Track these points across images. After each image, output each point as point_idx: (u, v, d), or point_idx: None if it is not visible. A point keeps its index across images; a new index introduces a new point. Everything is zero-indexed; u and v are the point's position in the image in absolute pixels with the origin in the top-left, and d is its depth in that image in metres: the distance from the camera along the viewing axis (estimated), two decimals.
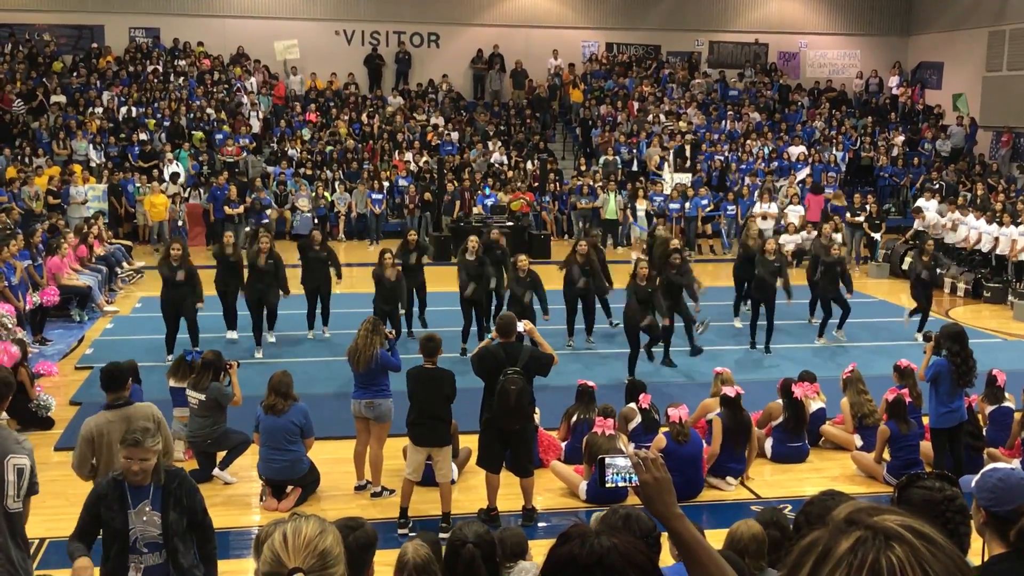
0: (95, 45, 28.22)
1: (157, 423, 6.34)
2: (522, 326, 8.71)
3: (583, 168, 26.56)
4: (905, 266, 21.20)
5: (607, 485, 2.69)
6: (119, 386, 6.65)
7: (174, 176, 23.78)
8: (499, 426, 8.39)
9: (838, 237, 22.59)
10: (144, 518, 5.41)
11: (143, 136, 25.46)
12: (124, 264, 19.50)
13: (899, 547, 1.25)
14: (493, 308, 13.95)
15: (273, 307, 14.16)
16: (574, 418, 10.16)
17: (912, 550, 1.25)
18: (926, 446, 9.70)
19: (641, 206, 24.47)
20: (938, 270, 14.33)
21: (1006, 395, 10.63)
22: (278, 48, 27.90)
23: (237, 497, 9.34)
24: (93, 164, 24.19)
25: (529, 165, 27.02)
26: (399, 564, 4.74)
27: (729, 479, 9.63)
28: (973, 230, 20.58)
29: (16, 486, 5.19)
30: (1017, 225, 19.66)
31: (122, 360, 10.11)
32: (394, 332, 10.08)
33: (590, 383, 10.46)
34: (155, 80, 27.61)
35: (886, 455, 9.72)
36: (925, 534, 1.28)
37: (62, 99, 26.17)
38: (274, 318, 14.43)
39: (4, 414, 5.39)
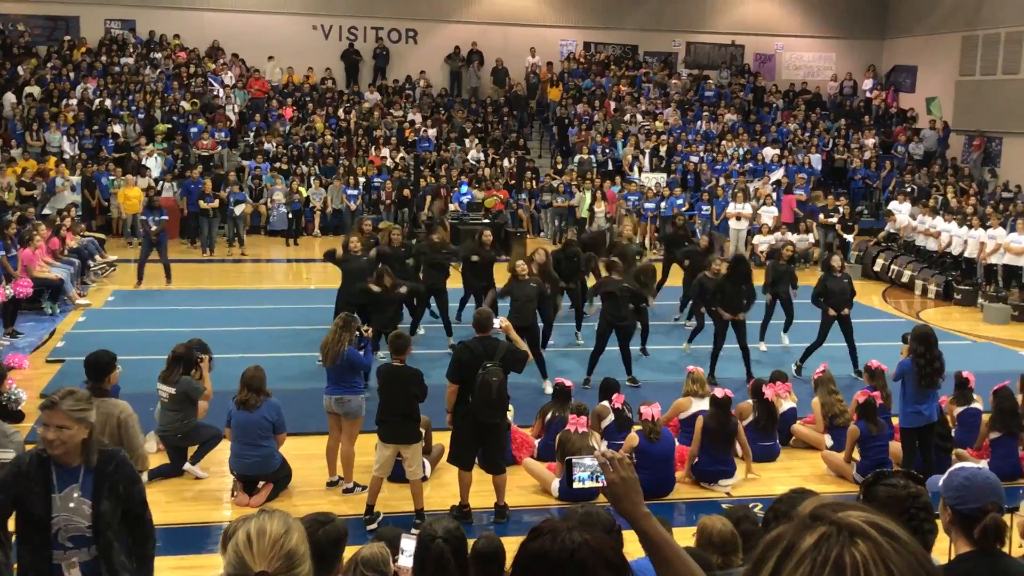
0: (68, 37, 27.96)
1: (117, 422, 6.25)
2: (498, 323, 8.79)
3: (559, 166, 26.58)
4: (877, 267, 21.46)
5: (575, 486, 2.71)
6: (101, 376, 6.58)
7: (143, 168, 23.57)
8: (477, 419, 8.40)
9: (810, 238, 22.81)
10: (71, 505, 4.57)
11: (117, 128, 25.26)
12: (97, 257, 19.36)
13: (863, 543, 1.27)
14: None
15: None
16: (548, 416, 10.19)
17: (875, 546, 1.27)
18: (896, 446, 9.79)
19: (599, 208, 24.38)
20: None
21: (975, 397, 10.74)
22: None
23: (208, 492, 9.31)
24: (67, 156, 23.98)
25: (506, 163, 27.03)
26: (351, 560, 4.78)
27: (723, 482, 9.66)
28: (945, 234, 20.77)
29: None
30: (987, 228, 19.86)
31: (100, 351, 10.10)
32: (370, 330, 10.08)
33: (566, 382, 10.49)
34: (130, 72, 27.40)
35: (856, 455, 9.81)
36: (889, 530, 1.30)
37: (36, 90, 25.91)
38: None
39: None
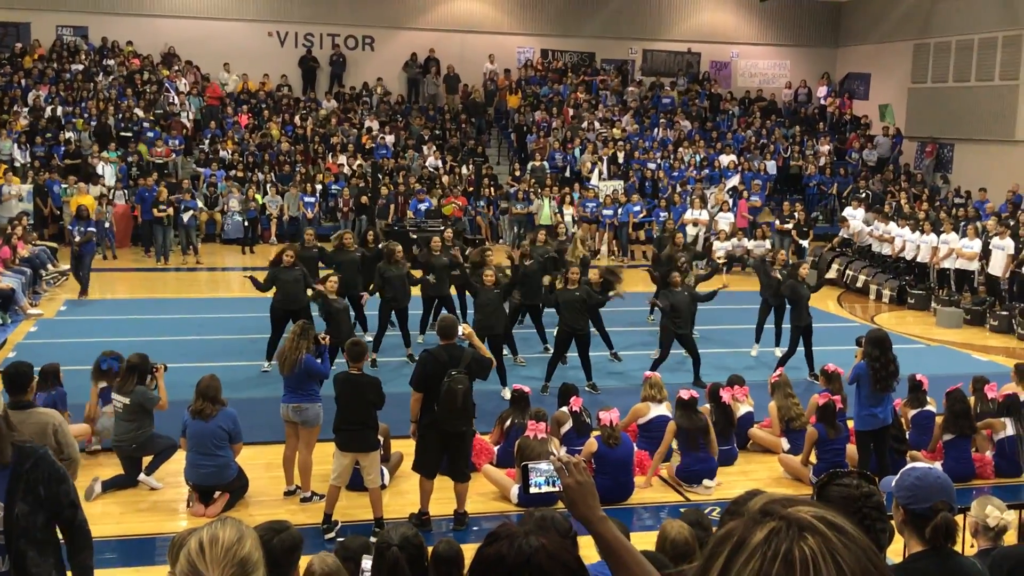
0: (19, 45, 27.53)
1: (53, 430, 6.15)
2: (461, 329, 8.77)
3: (517, 173, 26.61)
4: (832, 273, 21.70)
5: (531, 490, 2.71)
6: (21, 389, 6.46)
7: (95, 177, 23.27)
8: (443, 428, 8.34)
9: (766, 243, 23.01)
10: None
11: (69, 135, 24.91)
12: (49, 266, 19.05)
13: (812, 538, 1.27)
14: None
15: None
16: (508, 422, 10.18)
17: (824, 541, 1.27)
18: (852, 450, 9.87)
19: (568, 211, 24.53)
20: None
21: (928, 399, 10.88)
22: None
23: (163, 503, 9.18)
24: (17, 164, 23.61)
25: (464, 170, 27.01)
26: (306, 573, 4.73)
27: (706, 482, 9.70)
28: (898, 239, 21.05)
29: None
30: (939, 234, 20.15)
31: (49, 362, 9.98)
32: (328, 338, 10.01)
33: (524, 388, 10.49)
34: (82, 79, 27.06)
35: (813, 458, 9.89)
36: (838, 525, 1.31)
37: None
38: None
39: None
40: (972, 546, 5.26)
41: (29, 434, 5.93)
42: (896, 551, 4.26)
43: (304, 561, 4.79)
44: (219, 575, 2.58)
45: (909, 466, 3.80)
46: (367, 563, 5.13)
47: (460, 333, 8.68)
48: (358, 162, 26.41)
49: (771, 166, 28.10)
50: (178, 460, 9.30)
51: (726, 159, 27.85)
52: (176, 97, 27.34)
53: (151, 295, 18.59)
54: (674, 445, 10.16)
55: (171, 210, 21.75)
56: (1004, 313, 17.83)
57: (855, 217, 22.84)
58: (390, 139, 27.89)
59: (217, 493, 8.99)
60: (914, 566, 3.56)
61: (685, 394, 9.91)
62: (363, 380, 8.48)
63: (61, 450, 6.04)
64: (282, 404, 9.20)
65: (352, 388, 8.40)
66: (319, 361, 9.36)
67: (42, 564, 4.18)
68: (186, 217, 22.04)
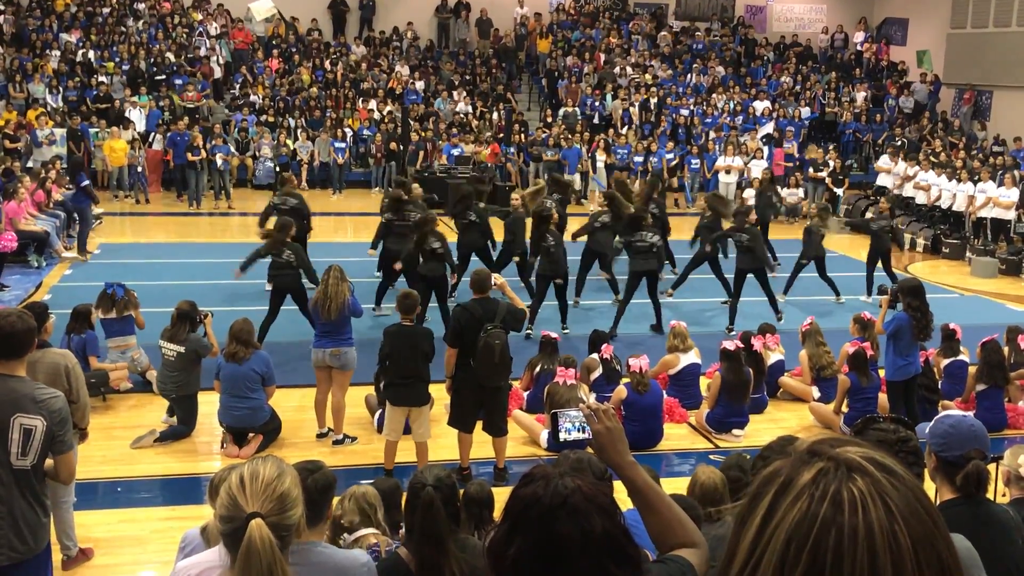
0: None
1: (65, 371, 6.27)
2: (494, 280, 8.68)
3: (549, 119, 26.42)
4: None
5: (561, 437, 2.73)
6: (37, 327, 6.54)
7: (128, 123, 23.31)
8: (480, 383, 8.22)
9: (800, 192, 22.80)
10: None
11: (101, 79, 24.95)
12: None
13: (860, 478, 1.27)
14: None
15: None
16: (537, 368, 10.21)
17: (873, 481, 1.27)
18: (883, 399, 9.85)
19: (600, 158, 24.34)
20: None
21: (961, 349, 10.81)
22: (256, 11, 26.93)
23: (198, 444, 9.32)
24: (50, 108, 23.70)
25: (495, 116, 26.85)
26: (347, 491, 4.89)
27: (735, 431, 9.75)
28: (934, 188, 20.78)
29: (20, 444, 4.65)
30: (976, 183, 19.87)
31: (82, 303, 10.08)
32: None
33: (552, 334, 10.51)
34: (113, 22, 27.02)
35: (844, 407, 9.87)
36: (887, 466, 1.30)
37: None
38: None
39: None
40: (1004, 495, 5.24)
41: (42, 373, 6.05)
42: None
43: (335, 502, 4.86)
44: (258, 508, 2.62)
45: (943, 414, 3.80)
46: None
47: (494, 283, 8.61)
48: (388, 108, 26.32)
49: (806, 113, 27.72)
50: (211, 402, 9.40)
51: (760, 105, 27.50)
52: (208, 41, 27.26)
53: (184, 239, 18.70)
54: (704, 393, 10.19)
55: (204, 153, 21.78)
56: None
57: (891, 165, 22.51)
58: (420, 84, 27.74)
59: (251, 435, 9.10)
60: (946, 513, 3.56)
61: (731, 345, 9.83)
62: (417, 331, 8.41)
63: (71, 392, 6.14)
64: (316, 349, 9.19)
65: (405, 340, 8.30)
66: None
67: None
68: (219, 162, 22.09)
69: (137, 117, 23.81)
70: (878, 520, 1.23)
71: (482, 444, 8.69)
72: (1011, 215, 19.05)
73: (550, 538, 2.13)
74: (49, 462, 4.84)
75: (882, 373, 9.94)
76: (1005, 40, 26.42)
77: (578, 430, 2.73)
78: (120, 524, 7.61)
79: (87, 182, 17.11)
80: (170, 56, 26.23)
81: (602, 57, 29.23)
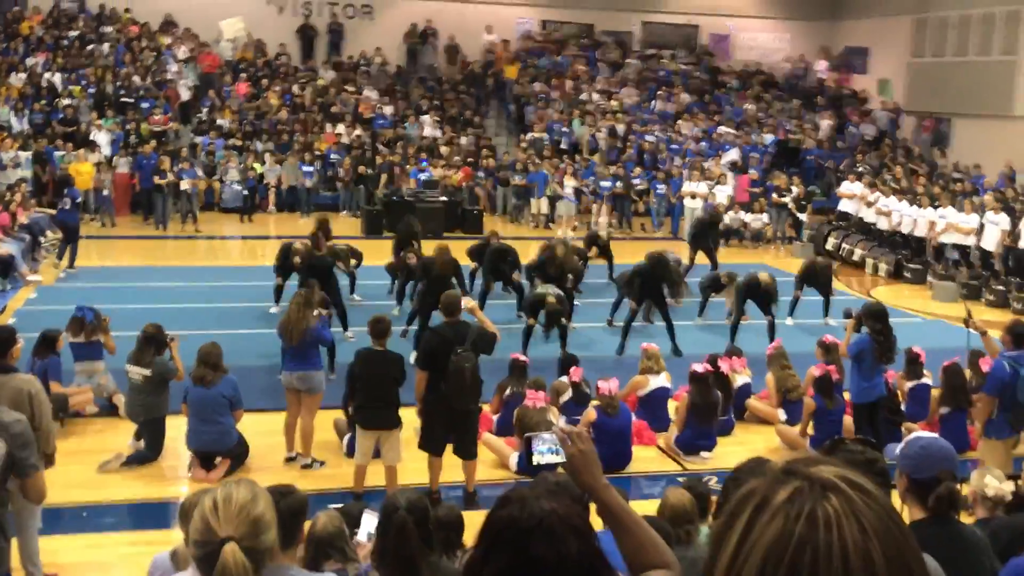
0: (17, 8, 27.32)
1: (29, 396, 6.19)
2: (464, 304, 8.72)
3: (524, 145, 26.51)
4: (829, 246, 21.74)
5: (535, 460, 2.75)
6: (3, 351, 6.46)
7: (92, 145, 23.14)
8: (450, 406, 8.21)
9: (764, 217, 23.07)
10: None
11: (67, 102, 24.76)
12: (48, 233, 19.00)
13: (835, 497, 1.30)
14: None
15: None
16: (507, 391, 10.22)
17: (847, 500, 1.30)
18: (848, 421, 9.95)
19: (569, 183, 24.44)
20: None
21: (924, 372, 10.96)
22: (225, 29, 26.85)
23: (166, 468, 9.24)
24: (15, 131, 23.48)
25: (463, 140, 26.92)
26: (307, 538, 4.81)
27: (703, 454, 9.81)
28: (895, 212, 21.07)
29: None
30: (936, 208, 20.17)
31: (50, 328, 9.98)
32: (329, 311, 10.03)
33: (522, 357, 10.53)
34: (80, 46, 26.86)
35: (810, 429, 9.96)
36: (860, 485, 1.34)
37: None
38: None
39: None
40: (971, 515, 5.33)
41: (6, 398, 5.97)
42: None
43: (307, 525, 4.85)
44: (232, 532, 2.62)
45: (914, 435, 3.85)
46: (368, 519, 5.18)
47: (464, 307, 8.63)
48: (356, 132, 26.31)
49: (770, 140, 28.03)
50: (177, 427, 9.33)
51: (725, 132, 27.75)
52: (175, 64, 27.15)
53: (150, 263, 18.57)
54: (673, 416, 10.24)
55: (172, 176, 21.66)
56: (1000, 288, 17.89)
57: (852, 191, 22.82)
58: (388, 109, 27.77)
59: (218, 459, 9.04)
60: (916, 533, 3.60)
61: (700, 368, 9.90)
62: (388, 357, 8.42)
63: (35, 418, 6.05)
64: (284, 373, 9.23)
65: (376, 365, 8.33)
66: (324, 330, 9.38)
67: None
68: (187, 186, 21.96)
69: (103, 140, 23.63)
70: (852, 538, 1.27)
71: (452, 468, 8.67)
72: (971, 240, 19.35)
73: (526, 560, 2.15)
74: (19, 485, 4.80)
75: (847, 396, 10.05)
76: (964, 69, 26.88)
77: (552, 453, 2.75)
78: (87, 549, 7.53)
79: (81, 198, 17.12)
80: (136, 79, 26.08)
81: (568, 84, 29.42)
